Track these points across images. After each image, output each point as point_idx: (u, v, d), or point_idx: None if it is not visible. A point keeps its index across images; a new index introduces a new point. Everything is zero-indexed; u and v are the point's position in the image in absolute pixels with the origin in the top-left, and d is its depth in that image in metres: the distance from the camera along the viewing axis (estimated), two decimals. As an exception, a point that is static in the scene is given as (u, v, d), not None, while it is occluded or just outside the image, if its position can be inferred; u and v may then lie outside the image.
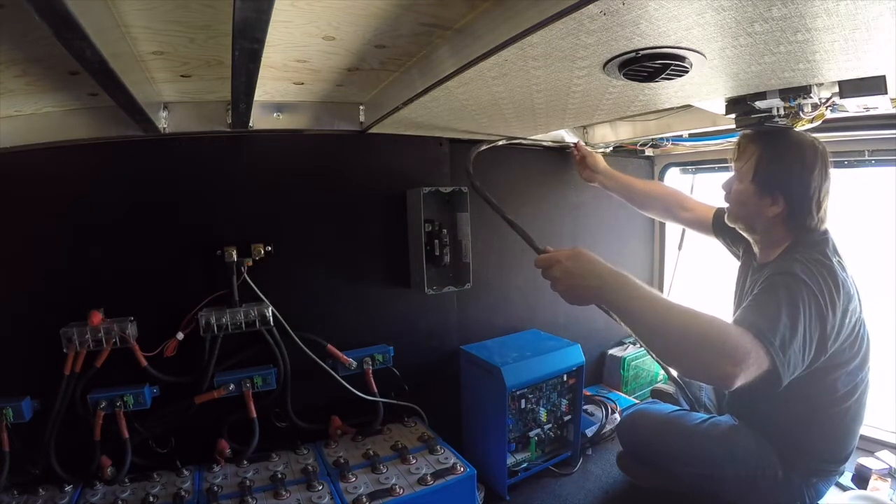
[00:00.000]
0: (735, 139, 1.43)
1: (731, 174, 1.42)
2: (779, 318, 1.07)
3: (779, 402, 1.32)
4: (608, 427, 2.07)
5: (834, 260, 1.22)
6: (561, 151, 2.22)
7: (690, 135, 2.02)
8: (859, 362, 1.27)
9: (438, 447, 1.59)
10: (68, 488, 1.37)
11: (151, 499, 1.34)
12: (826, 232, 1.31)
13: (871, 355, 1.32)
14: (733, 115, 1.33)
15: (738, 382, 0.99)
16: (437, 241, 1.79)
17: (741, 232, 1.45)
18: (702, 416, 1.58)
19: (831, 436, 1.32)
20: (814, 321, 1.11)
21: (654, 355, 1.25)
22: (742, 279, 1.54)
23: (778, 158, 1.28)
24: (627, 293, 1.05)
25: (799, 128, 1.28)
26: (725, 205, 1.45)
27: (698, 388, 1.77)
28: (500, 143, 1.85)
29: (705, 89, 1.17)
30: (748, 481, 1.35)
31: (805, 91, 1.14)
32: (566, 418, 1.91)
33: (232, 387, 1.49)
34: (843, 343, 1.21)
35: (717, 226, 1.68)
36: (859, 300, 1.24)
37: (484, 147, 1.73)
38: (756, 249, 1.44)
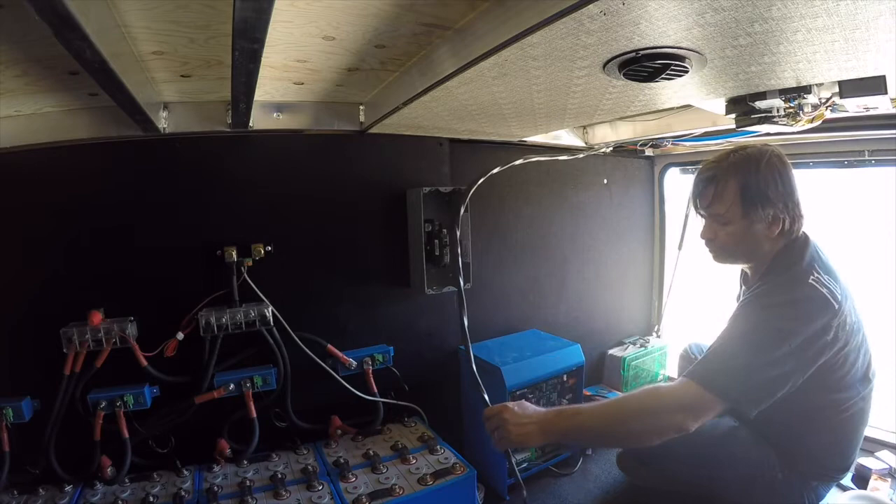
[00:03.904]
0: (698, 189, 1.32)
1: (703, 221, 1.35)
2: (723, 358, 1.14)
3: (780, 407, 1.32)
4: (608, 427, 2.07)
5: (810, 278, 1.18)
6: (562, 152, 2.21)
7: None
8: (860, 375, 1.24)
9: (438, 447, 1.59)
10: (68, 488, 1.37)
11: (151, 499, 1.34)
12: (806, 241, 1.27)
13: (875, 367, 1.29)
14: (733, 115, 1.33)
15: (694, 426, 1.11)
16: (437, 241, 1.79)
17: (738, 264, 1.40)
18: None
19: (832, 444, 1.31)
20: (774, 347, 1.10)
21: (619, 445, 1.39)
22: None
23: (760, 180, 1.23)
24: (566, 415, 1.20)
25: (798, 127, 1.28)
26: (708, 251, 1.38)
27: None
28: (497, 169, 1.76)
29: (705, 89, 1.17)
30: (747, 483, 1.35)
31: (805, 91, 1.14)
32: (566, 418, 1.91)
33: (232, 387, 1.49)
34: (836, 356, 1.18)
35: None
36: (854, 312, 1.21)
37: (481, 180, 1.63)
38: (749, 273, 1.40)
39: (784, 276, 1.22)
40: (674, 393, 1.15)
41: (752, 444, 1.37)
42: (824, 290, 1.16)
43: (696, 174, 1.37)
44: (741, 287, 1.52)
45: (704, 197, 1.31)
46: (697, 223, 1.42)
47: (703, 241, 1.39)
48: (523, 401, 1.24)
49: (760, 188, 1.23)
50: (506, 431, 1.17)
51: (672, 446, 1.53)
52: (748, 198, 1.23)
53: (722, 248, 1.34)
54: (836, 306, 1.15)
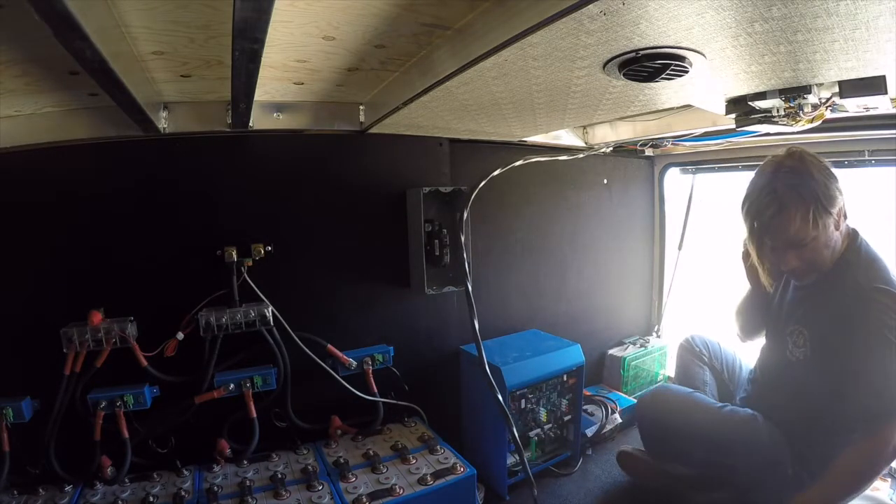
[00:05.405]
0: (763, 221, 1.33)
1: (779, 252, 1.36)
2: (880, 385, 1.18)
3: (802, 406, 1.34)
4: (608, 427, 2.07)
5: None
6: (562, 152, 2.22)
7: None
8: None
9: (438, 447, 1.59)
10: (68, 488, 1.37)
11: (151, 499, 1.34)
12: (876, 254, 1.33)
13: None
14: (733, 115, 1.32)
15: None
16: (437, 241, 1.79)
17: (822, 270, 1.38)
18: (720, 403, 1.58)
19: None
20: None
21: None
22: (782, 296, 1.52)
23: (821, 187, 1.26)
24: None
25: (798, 127, 1.28)
26: (793, 278, 1.43)
27: (702, 384, 1.77)
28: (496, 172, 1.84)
29: (705, 89, 1.17)
30: (759, 473, 1.36)
31: (805, 91, 1.14)
32: (566, 418, 1.91)
33: (232, 387, 1.49)
34: None
35: None
36: None
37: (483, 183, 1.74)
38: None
39: (874, 282, 1.26)
40: (881, 444, 1.17)
41: (768, 436, 1.37)
42: None
43: (749, 206, 1.35)
44: (789, 284, 1.51)
45: (776, 230, 1.31)
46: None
47: (786, 271, 1.40)
48: None
49: (825, 194, 1.26)
50: None
51: (691, 424, 1.53)
52: (821, 209, 1.26)
53: (808, 267, 1.35)
54: None
